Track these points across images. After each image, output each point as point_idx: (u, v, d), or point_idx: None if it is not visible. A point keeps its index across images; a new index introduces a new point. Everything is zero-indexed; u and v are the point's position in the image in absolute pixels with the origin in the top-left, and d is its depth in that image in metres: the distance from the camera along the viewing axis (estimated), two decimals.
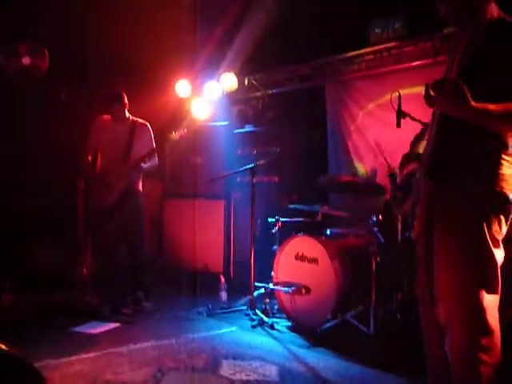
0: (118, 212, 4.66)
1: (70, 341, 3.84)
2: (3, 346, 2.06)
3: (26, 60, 5.01)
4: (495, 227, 2.17)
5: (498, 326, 2.18)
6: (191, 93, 6.05)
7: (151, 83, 5.76)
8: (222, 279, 5.18)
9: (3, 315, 4.41)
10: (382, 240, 4.05)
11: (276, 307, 4.61)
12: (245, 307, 4.72)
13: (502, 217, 2.19)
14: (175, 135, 4.77)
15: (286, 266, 4.42)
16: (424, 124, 3.20)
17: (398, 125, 3.11)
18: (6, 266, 4.82)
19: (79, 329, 4.13)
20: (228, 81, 5.83)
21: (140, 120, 4.90)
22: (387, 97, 5.04)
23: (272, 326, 4.27)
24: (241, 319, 4.54)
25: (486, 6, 2.26)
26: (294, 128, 5.81)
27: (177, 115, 5.97)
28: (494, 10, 2.27)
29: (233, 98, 6.30)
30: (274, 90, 6.22)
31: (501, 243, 2.21)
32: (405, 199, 3.50)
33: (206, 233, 5.92)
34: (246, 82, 6.30)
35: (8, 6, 4.87)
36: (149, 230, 5.75)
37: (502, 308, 2.24)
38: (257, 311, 4.52)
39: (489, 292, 2.16)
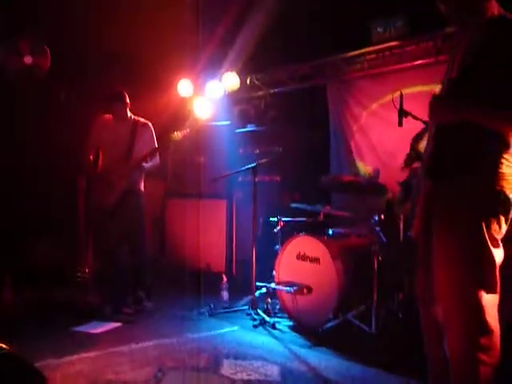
0: (119, 212, 4.66)
1: (71, 340, 3.84)
2: (4, 346, 2.06)
3: (27, 59, 5.01)
4: (494, 227, 2.17)
5: (498, 325, 2.17)
6: (193, 92, 6.04)
7: (153, 82, 5.77)
8: (224, 279, 5.17)
9: (4, 314, 4.41)
10: (384, 240, 4.05)
11: (278, 307, 4.60)
12: (246, 307, 4.72)
13: (501, 216, 2.18)
14: (177, 135, 4.77)
15: (288, 265, 4.41)
16: (426, 123, 3.19)
17: (400, 124, 3.10)
18: (7, 265, 4.82)
19: (80, 328, 4.13)
20: (230, 80, 5.82)
21: (142, 119, 4.90)
22: (390, 96, 5.09)
23: (274, 326, 4.26)
24: (242, 319, 4.54)
25: (486, 4, 2.25)
26: (296, 127, 5.80)
27: (179, 115, 5.96)
28: (494, 8, 2.26)
29: (234, 97, 6.29)
30: (275, 90, 6.20)
31: (500, 243, 2.20)
32: (407, 199, 3.49)
33: (208, 232, 5.92)
34: (248, 82, 6.28)
35: (8, 6, 4.86)
36: (151, 229, 5.75)
37: (502, 308, 2.23)
38: (258, 311, 4.52)
39: (488, 292, 2.16)
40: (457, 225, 2.21)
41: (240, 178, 5.83)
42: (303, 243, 4.32)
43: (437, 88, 2.47)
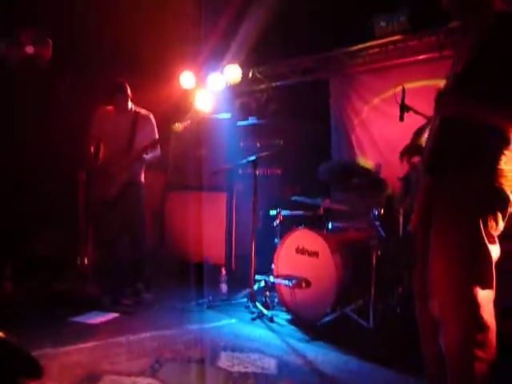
0: (120, 203, 4.66)
1: (69, 330, 3.85)
2: (1, 334, 2.07)
3: (29, 49, 4.99)
4: (491, 223, 2.17)
5: (494, 321, 2.17)
6: (195, 84, 6.02)
7: (155, 74, 5.75)
8: (223, 271, 5.17)
9: (4, 303, 4.42)
10: (383, 234, 4.04)
11: (276, 300, 4.60)
12: (245, 300, 4.72)
13: (498, 213, 2.18)
14: (178, 126, 4.75)
15: (287, 259, 4.41)
16: (428, 118, 3.19)
17: (401, 119, 3.10)
18: (8, 255, 4.83)
19: (79, 319, 4.14)
20: (232, 72, 5.80)
21: (143, 111, 4.89)
22: (392, 91, 5.07)
23: (271, 319, 4.26)
24: (240, 311, 4.54)
25: None
26: (298, 121, 5.79)
27: (180, 107, 5.95)
28: (497, 2, 2.24)
29: (236, 90, 6.27)
30: (277, 83, 6.18)
31: (496, 239, 2.19)
32: (407, 194, 3.48)
33: (208, 225, 5.91)
34: (250, 75, 6.26)
35: None
36: (151, 221, 5.75)
37: (498, 304, 2.23)
38: (257, 304, 4.52)
39: (483, 288, 2.15)
40: (454, 220, 2.21)
41: (240, 171, 5.82)
42: (302, 237, 4.31)
43: (440, 83, 2.46)
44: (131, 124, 4.77)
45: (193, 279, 5.19)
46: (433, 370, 2.40)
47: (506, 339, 2.37)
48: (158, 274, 5.38)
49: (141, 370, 3.10)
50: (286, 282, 4.29)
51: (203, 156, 6.16)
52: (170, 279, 5.49)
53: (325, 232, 4.39)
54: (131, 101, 4.84)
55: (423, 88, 4.64)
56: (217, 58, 5.95)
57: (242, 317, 4.39)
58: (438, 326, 2.28)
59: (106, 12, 4.90)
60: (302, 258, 4.27)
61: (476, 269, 2.17)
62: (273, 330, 4.06)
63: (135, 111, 4.84)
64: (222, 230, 5.91)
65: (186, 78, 5.99)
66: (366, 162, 5.39)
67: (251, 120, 6.09)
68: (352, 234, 4.55)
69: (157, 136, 4.85)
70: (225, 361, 3.33)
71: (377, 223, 4.01)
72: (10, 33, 4.92)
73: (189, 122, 4.86)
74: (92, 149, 4.73)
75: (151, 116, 4.89)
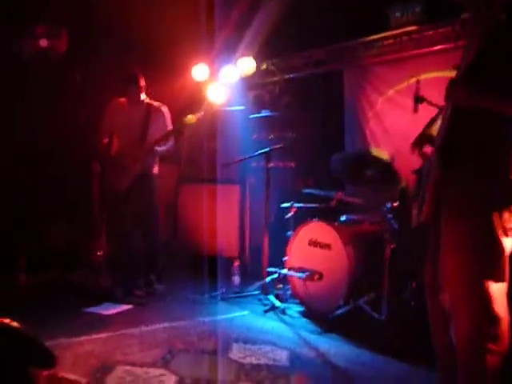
0: (133, 195, 4.67)
1: (82, 321, 3.89)
2: (16, 325, 2.08)
3: (43, 42, 5.03)
4: (506, 216, 2.13)
5: (507, 313, 2.14)
6: (208, 77, 6.01)
7: (168, 67, 5.75)
8: (236, 263, 5.18)
9: (18, 294, 4.46)
10: (397, 227, 4.00)
11: (289, 292, 4.59)
12: (257, 292, 4.72)
13: None
14: (191, 118, 4.74)
15: (300, 251, 4.39)
16: (440, 108, 3.15)
17: (415, 110, 3.06)
18: (22, 247, 4.87)
19: (92, 310, 4.17)
20: (246, 65, 5.78)
21: (156, 103, 4.88)
22: (406, 82, 5.03)
23: (284, 311, 4.26)
24: (253, 304, 4.55)
25: None
26: (311, 113, 5.75)
27: (194, 99, 5.94)
28: None
29: (249, 82, 6.25)
30: (290, 75, 6.15)
31: (510, 232, 2.16)
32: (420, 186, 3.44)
33: (221, 217, 5.91)
34: (264, 67, 6.23)
35: None
36: (164, 213, 5.77)
37: None
38: (269, 296, 4.52)
39: (496, 281, 2.12)
40: (467, 212, 2.17)
41: (254, 164, 5.81)
42: (315, 229, 4.30)
43: (454, 74, 2.43)
44: (144, 116, 4.77)
45: (206, 271, 5.20)
46: (444, 362, 2.38)
47: None
48: (171, 266, 5.41)
49: (153, 361, 3.12)
50: (299, 274, 4.28)
51: (216, 148, 6.15)
52: (182, 271, 5.52)
53: (337, 224, 4.36)
54: (145, 93, 4.83)
55: (438, 79, 4.58)
56: (230, 50, 5.93)
57: (255, 309, 4.40)
58: (448, 319, 2.25)
59: (119, 4, 4.90)
60: (314, 250, 4.26)
61: (488, 262, 2.13)
62: (285, 323, 4.06)
63: (148, 103, 4.84)
64: (235, 222, 5.91)
65: (200, 71, 5.99)
66: (381, 152, 5.34)
67: (264, 113, 6.07)
68: (365, 226, 4.51)
69: (170, 128, 4.85)
70: (237, 352, 3.33)
71: (390, 216, 3.98)
72: (24, 26, 4.94)
73: (202, 113, 4.85)
74: (105, 141, 4.74)
75: (164, 108, 4.88)
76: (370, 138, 5.54)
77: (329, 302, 4.07)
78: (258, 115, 6.10)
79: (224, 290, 4.77)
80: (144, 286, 4.72)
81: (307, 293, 4.27)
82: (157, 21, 5.20)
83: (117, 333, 3.62)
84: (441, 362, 2.41)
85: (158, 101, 4.90)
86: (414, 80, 3.10)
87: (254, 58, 5.80)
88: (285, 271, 4.47)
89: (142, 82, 4.77)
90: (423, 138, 2.59)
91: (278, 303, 4.38)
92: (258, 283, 4.81)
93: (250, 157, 5.06)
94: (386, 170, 4.16)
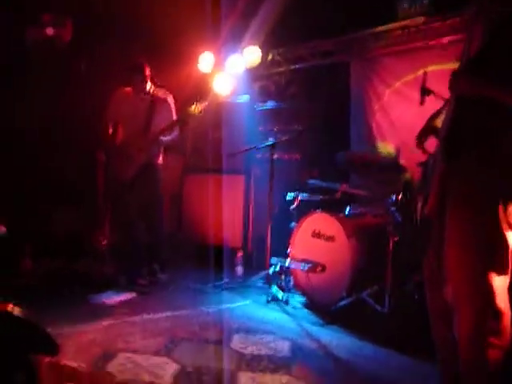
0: (137, 185, 4.66)
1: (85, 309, 3.90)
2: (19, 312, 2.09)
3: (49, 30, 5.02)
4: (510, 209, 2.11)
5: (509, 308, 2.13)
6: (214, 67, 5.99)
7: (174, 56, 5.73)
8: (239, 254, 5.18)
9: (22, 281, 4.48)
10: (401, 220, 3.99)
11: (291, 283, 4.59)
12: (260, 282, 4.73)
13: None
14: (197, 108, 4.72)
15: (303, 242, 4.39)
16: (446, 100, 3.13)
17: (422, 103, 3.03)
18: (28, 234, 4.88)
19: (95, 298, 4.18)
20: (252, 54, 5.75)
21: (161, 92, 4.85)
22: (414, 74, 5.00)
23: (286, 302, 4.27)
24: (255, 294, 4.56)
25: None
26: (316, 104, 5.72)
27: (199, 89, 5.92)
28: None
29: (255, 73, 6.22)
30: (296, 66, 6.11)
31: None
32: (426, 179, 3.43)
33: (226, 208, 5.90)
34: (270, 57, 6.20)
35: None
36: (169, 203, 5.77)
37: None
38: (272, 287, 4.52)
39: (499, 275, 2.11)
40: (471, 201, 2.16)
41: (259, 155, 5.80)
42: (319, 221, 4.29)
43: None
44: (149, 105, 4.75)
45: (209, 261, 5.21)
46: (444, 355, 2.38)
47: None
48: (176, 256, 5.41)
49: (156, 349, 3.13)
50: (302, 265, 4.28)
51: (221, 139, 6.13)
52: (187, 261, 5.53)
53: (341, 216, 4.35)
54: (150, 82, 4.81)
55: (446, 71, 4.53)
56: (236, 40, 5.90)
57: (257, 299, 4.41)
58: (450, 312, 2.25)
59: None
60: (317, 241, 4.25)
61: (492, 259, 2.12)
62: (287, 313, 4.07)
63: (154, 92, 4.81)
64: (240, 213, 5.91)
65: (205, 60, 5.96)
66: (386, 146, 5.32)
67: (270, 104, 6.04)
68: (369, 218, 4.50)
69: (175, 118, 4.83)
70: (238, 342, 3.34)
71: (394, 209, 3.96)
72: (30, 14, 4.93)
73: (207, 103, 4.83)
74: (110, 130, 4.73)
75: (170, 97, 4.86)
76: (376, 130, 5.51)
77: (331, 293, 4.06)
78: (264, 106, 6.08)
79: (227, 280, 4.78)
80: (147, 275, 4.73)
81: (310, 284, 4.26)
82: (162, 10, 5.18)
83: (119, 321, 3.64)
84: (441, 355, 2.41)
85: (163, 90, 4.88)
86: (421, 72, 3.07)
87: (260, 47, 5.77)
88: (288, 262, 4.46)
89: (148, 72, 4.74)
90: (428, 130, 2.57)
91: (280, 294, 4.38)
92: (261, 274, 4.81)
93: (255, 148, 5.04)
94: (391, 164, 4.16)
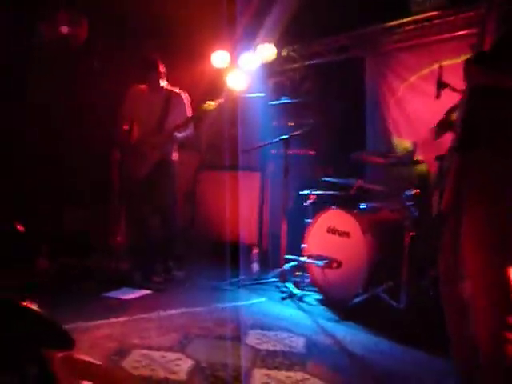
0: (152, 182, 4.67)
1: (101, 305, 3.91)
2: (35, 308, 2.11)
3: (64, 29, 5.04)
4: None
5: None
6: (229, 63, 5.98)
7: (188, 53, 5.73)
8: (255, 251, 5.17)
9: (39, 279, 4.52)
10: (417, 215, 3.95)
11: (307, 280, 4.57)
12: (276, 279, 4.71)
13: None
14: (211, 105, 4.71)
15: (318, 239, 4.37)
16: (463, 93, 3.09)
17: (438, 96, 3.00)
18: (44, 232, 4.92)
19: (111, 294, 4.20)
20: (266, 51, 5.73)
21: (176, 89, 4.85)
22: (429, 68, 4.94)
23: (302, 299, 4.26)
24: (271, 291, 4.55)
25: None
26: (331, 100, 5.69)
27: (214, 85, 5.92)
28: None
29: (269, 69, 6.21)
30: (311, 62, 6.08)
31: None
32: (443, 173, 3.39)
33: (241, 204, 5.90)
34: (285, 53, 6.18)
35: None
36: (183, 200, 5.78)
37: None
38: (287, 283, 4.51)
39: None
40: (485, 194, 2.13)
41: (273, 151, 5.78)
42: (334, 217, 4.27)
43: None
44: (164, 102, 4.75)
45: (224, 258, 5.20)
46: (459, 351, 2.35)
47: None
48: (191, 253, 5.41)
49: (170, 345, 3.13)
50: (317, 262, 4.26)
51: (236, 135, 6.12)
52: (202, 258, 5.53)
53: (356, 212, 4.32)
54: (165, 79, 4.81)
55: (461, 65, 4.47)
56: (250, 36, 5.88)
57: (272, 296, 4.40)
58: (466, 308, 2.22)
59: None
60: (333, 237, 4.23)
61: (508, 252, 2.09)
62: (302, 310, 4.05)
63: (168, 89, 4.81)
64: (255, 209, 5.91)
65: (220, 57, 5.96)
66: (403, 142, 5.27)
67: (284, 99, 6.02)
68: (385, 214, 4.46)
69: (190, 114, 4.83)
70: (253, 339, 3.33)
71: (410, 204, 3.92)
72: (46, 12, 4.96)
73: (222, 100, 4.83)
74: (125, 128, 4.75)
75: (184, 94, 4.85)
76: (392, 125, 5.46)
77: (347, 290, 4.04)
78: (278, 102, 6.06)
79: (242, 277, 4.77)
80: (162, 272, 4.74)
81: (325, 280, 4.24)
82: (177, 7, 5.17)
83: (134, 317, 3.65)
84: (456, 351, 2.38)
85: (178, 87, 4.88)
86: (436, 66, 3.03)
87: (275, 44, 5.75)
88: (303, 259, 4.45)
89: (162, 69, 4.75)
90: (444, 124, 2.54)
91: (295, 290, 4.37)
92: (277, 270, 4.80)
93: (270, 143, 5.03)
94: (407, 158, 4.12)
